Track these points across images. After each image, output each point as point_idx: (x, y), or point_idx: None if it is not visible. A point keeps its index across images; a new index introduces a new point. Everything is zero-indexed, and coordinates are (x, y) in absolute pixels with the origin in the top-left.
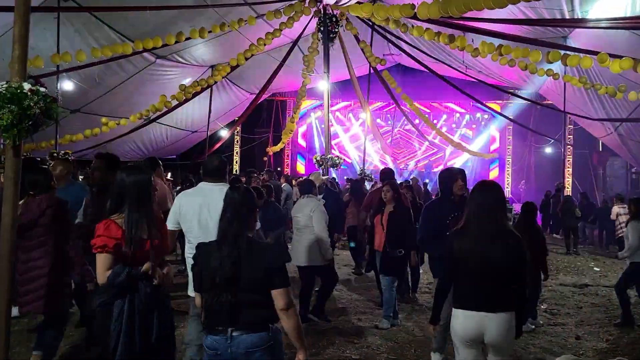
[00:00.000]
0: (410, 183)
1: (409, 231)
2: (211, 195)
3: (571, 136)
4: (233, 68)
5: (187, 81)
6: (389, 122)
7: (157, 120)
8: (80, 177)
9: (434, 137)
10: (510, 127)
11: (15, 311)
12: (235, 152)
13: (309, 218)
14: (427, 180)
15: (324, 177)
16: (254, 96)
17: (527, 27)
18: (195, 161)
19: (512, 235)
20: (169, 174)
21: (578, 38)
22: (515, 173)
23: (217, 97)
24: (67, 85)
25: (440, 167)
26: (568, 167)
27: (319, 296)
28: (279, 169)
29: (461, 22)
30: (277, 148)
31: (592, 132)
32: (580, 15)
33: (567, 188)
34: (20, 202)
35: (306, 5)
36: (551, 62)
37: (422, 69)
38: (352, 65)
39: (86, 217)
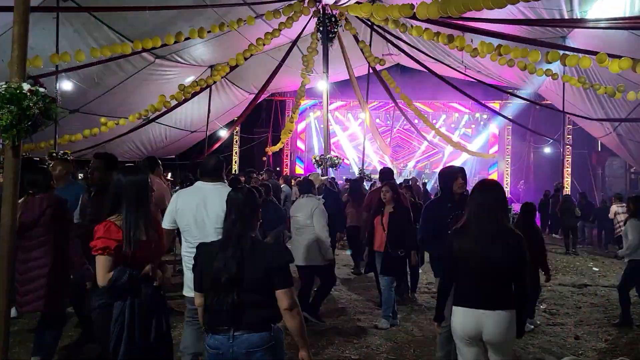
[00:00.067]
0: (410, 183)
1: (408, 231)
2: (208, 194)
3: (570, 136)
4: (232, 68)
5: (186, 81)
6: (388, 122)
7: (157, 120)
8: (80, 176)
9: (433, 137)
10: (510, 127)
11: (13, 312)
12: (234, 152)
13: (308, 217)
14: (426, 180)
15: (323, 178)
16: (253, 96)
17: (526, 27)
18: (195, 161)
19: (512, 234)
20: (169, 174)
21: (577, 38)
22: (514, 173)
23: (216, 97)
24: (66, 85)
25: (440, 167)
26: (567, 167)
27: (316, 296)
28: (277, 169)
29: (460, 22)
30: (276, 148)
31: (591, 132)
32: (579, 16)
33: (566, 188)
34: (20, 201)
35: (305, 5)
36: (550, 62)
37: (422, 69)
38: (351, 66)
39: (85, 217)
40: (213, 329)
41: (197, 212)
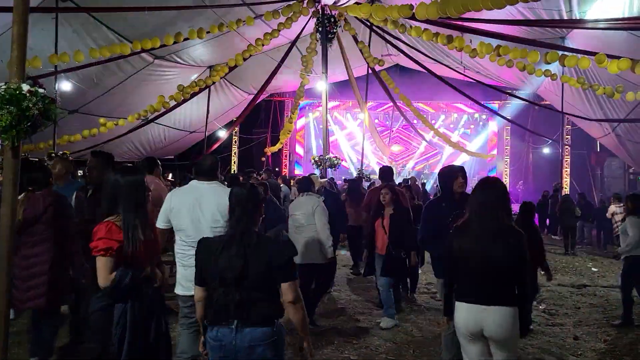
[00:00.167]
0: (409, 183)
1: (408, 232)
2: (203, 193)
3: (569, 137)
4: (231, 68)
5: (185, 81)
6: (387, 123)
7: (155, 121)
8: (80, 173)
9: (432, 137)
10: (509, 127)
11: (11, 313)
12: (233, 152)
13: (308, 216)
14: (424, 181)
15: (322, 180)
16: (252, 96)
17: (525, 28)
18: (194, 161)
19: (514, 232)
20: (170, 175)
21: (576, 39)
22: (513, 173)
23: (216, 98)
24: (65, 85)
25: (438, 167)
26: (566, 168)
27: (312, 296)
28: (277, 169)
29: (459, 22)
30: (275, 148)
31: (590, 132)
32: (578, 16)
33: (565, 188)
34: (20, 197)
35: (304, 5)
36: (549, 63)
37: (421, 69)
38: (350, 66)
39: (83, 215)
40: (216, 322)
41: (192, 211)
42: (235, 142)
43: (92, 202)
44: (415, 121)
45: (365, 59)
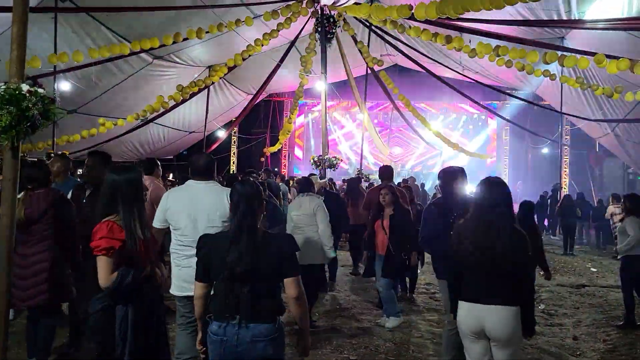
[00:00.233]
0: (408, 183)
1: (408, 232)
2: (199, 193)
3: (568, 137)
4: (230, 69)
5: (185, 81)
6: (386, 123)
7: (155, 121)
8: (79, 172)
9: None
10: (508, 127)
11: (10, 313)
12: (232, 152)
13: (308, 216)
14: (423, 181)
15: (321, 181)
16: (251, 97)
17: (524, 28)
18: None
19: (516, 232)
20: (171, 175)
21: (575, 39)
22: (513, 173)
23: (215, 98)
24: (64, 85)
25: (437, 167)
26: (565, 168)
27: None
28: (275, 169)
29: (458, 23)
30: (275, 149)
31: (589, 132)
32: (577, 16)
33: (564, 188)
34: (20, 196)
35: (303, 6)
36: (548, 63)
37: (420, 69)
38: (349, 66)
39: (81, 215)
40: (218, 317)
41: (188, 210)
42: (235, 142)
43: (92, 201)
44: (414, 121)
45: (364, 59)
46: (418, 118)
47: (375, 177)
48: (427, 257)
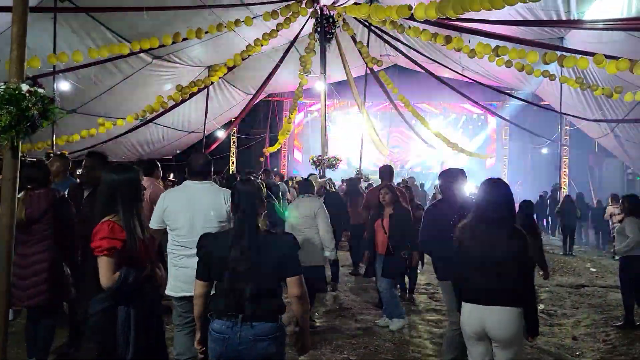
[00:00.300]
0: (408, 183)
1: (408, 232)
2: (197, 193)
3: (567, 137)
4: (230, 69)
5: (184, 81)
6: (386, 123)
7: (154, 121)
8: (78, 172)
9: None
10: (507, 127)
11: (10, 313)
12: (231, 152)
13: (308, 218)
14: (423, 181)
15: (321, 180)
16: (250, 97)
17: (524, 28)
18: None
19: (517, 233)
20: (172, 175)
21: (574, 39)
22: (512, 174)
23: (214, 98)
24: (63, 85)
25: (437, 167)
26: (564, 168)
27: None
28: (275, 169)
29: (458, 23)
30: (274, 149)
31: (589, 133)
32: (576, 17)
33: (564, 189)
34: (19, 196)
35: (303, 6)
36: (548, 63)
37: (419, 69)
38: (349, 66)
39: (83, 215)
40: (220, 315)
41: (185, 211)
42: (234, 142)
43: (91, 202)
44: (413, 121)
45: (363, 59)
46: (417, 118)
47: (375, 177)
48: (427, 257)
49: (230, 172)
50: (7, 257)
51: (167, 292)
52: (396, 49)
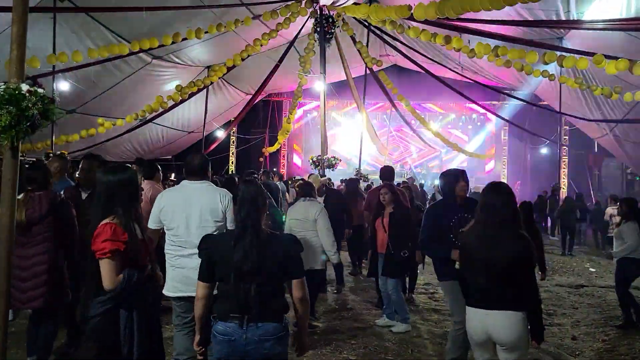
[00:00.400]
0: (408, 183)
1: (408, 231)
2: (193, 193)
3: (567, 137)
4: (229, 69)
5: (184, 81)
6: (385, 123)
7: (153, 121)
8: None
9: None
10: (506, 127)
11: (10, 314)
12: (231, 152)
13: (307, 221)
14: (422, 181)
15: (322, 179)
16: (250, 97)
17: (524, 29)
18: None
19: (520, 237)
20: (172, 175)
21: (574, 39)
22: (511, 174)
23: (213, 98)
24: (63, 85)
25: (436, 167)
26: (564, 168)
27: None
28: (274, 169)
29: (458, 23)
30: (274, 149)
31: (588, 133)
32: (576, 17)
33: (563, 189)
34: (19, 197)
35: (302, 6)
36: (547, 63)
37: (419, 69)
38: (348, 66)
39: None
40: (224, 317)
41: (182, 211)
42: (233, 142)
43: (91, 204)
44: (413, 121)
45: (363, 59)
46: (417, 118)
47: (374, 177)
48: (427, 257)
49: (230, 174)
50: (7, 258)
51: (165, 292)
52: (396, 49)
